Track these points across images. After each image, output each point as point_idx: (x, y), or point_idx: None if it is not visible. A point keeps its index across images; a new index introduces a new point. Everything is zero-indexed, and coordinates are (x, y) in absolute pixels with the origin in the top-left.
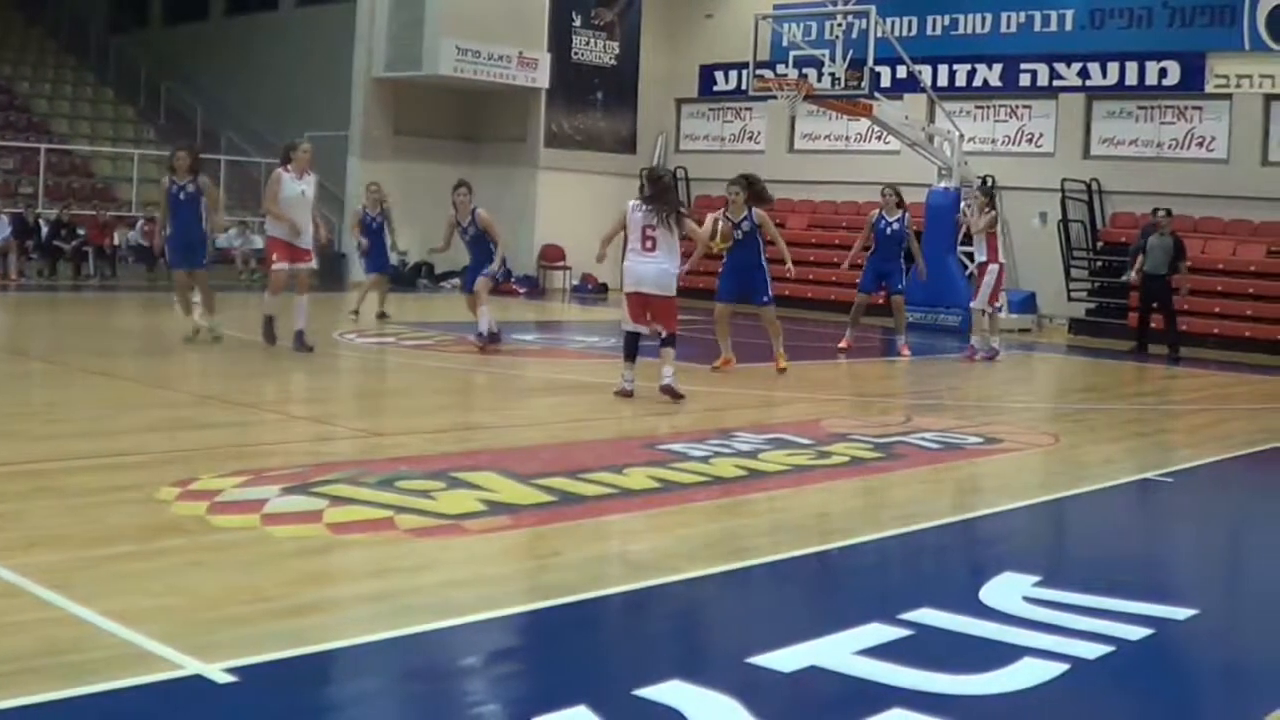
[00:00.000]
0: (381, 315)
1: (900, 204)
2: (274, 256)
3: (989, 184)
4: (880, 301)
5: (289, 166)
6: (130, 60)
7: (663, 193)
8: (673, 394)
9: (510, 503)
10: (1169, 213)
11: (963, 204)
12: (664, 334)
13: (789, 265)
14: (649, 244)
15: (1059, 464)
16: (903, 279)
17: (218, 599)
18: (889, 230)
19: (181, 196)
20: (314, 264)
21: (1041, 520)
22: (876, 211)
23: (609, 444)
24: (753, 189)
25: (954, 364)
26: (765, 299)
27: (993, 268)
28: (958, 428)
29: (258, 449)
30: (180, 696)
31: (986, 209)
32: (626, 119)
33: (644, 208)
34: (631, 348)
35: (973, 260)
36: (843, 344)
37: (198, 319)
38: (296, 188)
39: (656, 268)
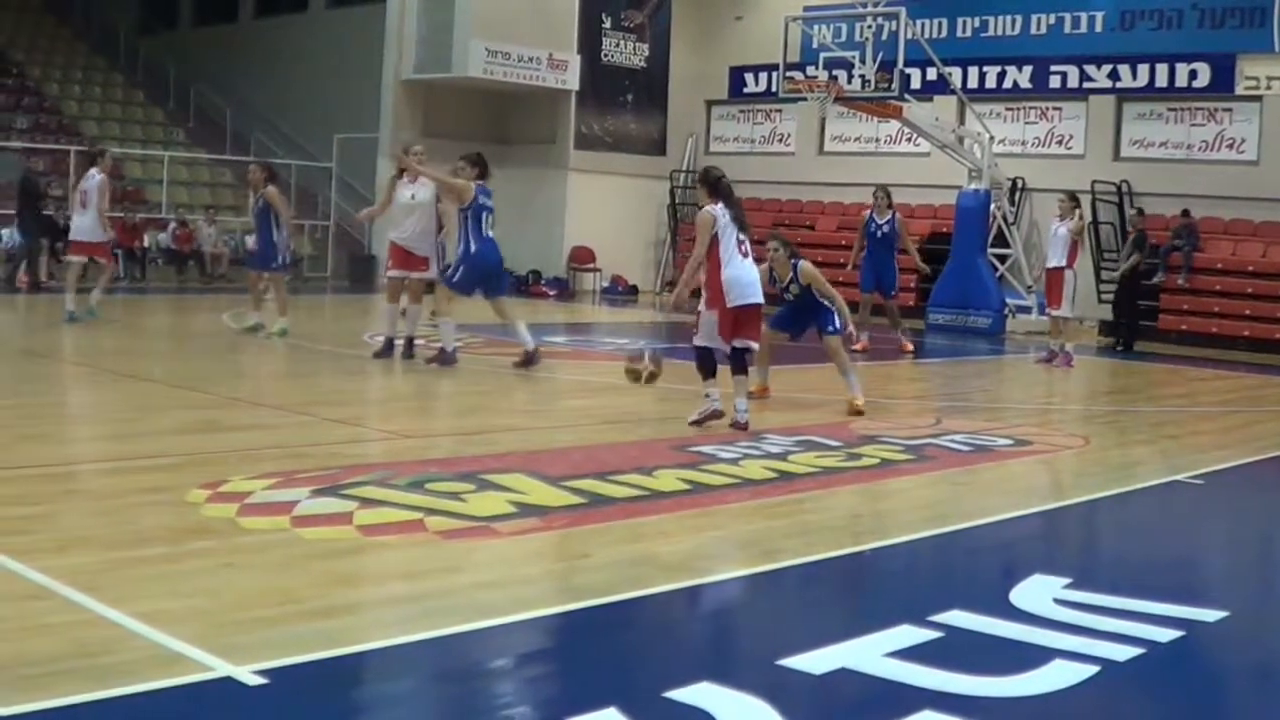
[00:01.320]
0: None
1: (890, 205)
2: (390, 263)
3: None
4: (879, 302)
5: (404, 173)
6: (159, 62)
7: (736, 199)
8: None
9: (540, 505)
10: (1140, 212)
11: (1060, 217)
12: (744, 349)
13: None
14: (743, 248)
15: (1089, 466)
16: (896, 282)
17: (248, 601)
18: (879, 233)
19: (256, 208)
20: (431, 273)
21: (1072, 522)
22: (867, 214)
23: (638, 446)
24: (789, 247)
25: (982, 365)
26: (831, 329)
27: (1069, 274)
28: (987, 430)
29: (287, 451)
30: (210, 698)
31: (1078, 215)
32: (656, 121)
33: (729, 214)
34: (711, 364)
35: (1004, 262)
36: (858, 346)
37: (227, 319)
38: (406, 193)
39: (758, 276)
